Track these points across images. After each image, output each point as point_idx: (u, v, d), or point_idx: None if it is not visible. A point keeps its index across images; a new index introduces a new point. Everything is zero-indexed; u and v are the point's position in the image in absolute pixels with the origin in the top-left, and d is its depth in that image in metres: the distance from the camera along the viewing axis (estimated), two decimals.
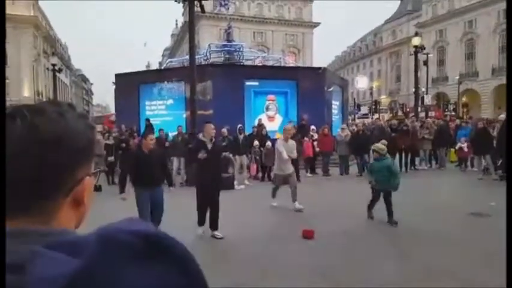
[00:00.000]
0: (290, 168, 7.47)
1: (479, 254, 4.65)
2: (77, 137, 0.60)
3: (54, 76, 23.06)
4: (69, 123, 0.59)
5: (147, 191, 5.11)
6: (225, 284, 3.61)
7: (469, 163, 12.35)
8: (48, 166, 0.56)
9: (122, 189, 5.29)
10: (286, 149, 7.31)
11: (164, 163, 5.92)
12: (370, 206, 6.43)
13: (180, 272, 0.39)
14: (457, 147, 12.23)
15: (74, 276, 0.35)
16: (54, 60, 23.54)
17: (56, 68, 22.63)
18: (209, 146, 5.61)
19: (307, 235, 5.47)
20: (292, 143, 7.63)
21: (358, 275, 4.14)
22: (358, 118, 35.43)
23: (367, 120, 28.80)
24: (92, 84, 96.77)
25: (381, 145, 6.41)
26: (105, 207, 4.79)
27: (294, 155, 7.64)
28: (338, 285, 3.90)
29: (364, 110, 43.68)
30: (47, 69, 32.74)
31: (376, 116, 32.88)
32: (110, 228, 0.40)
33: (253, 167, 11.77)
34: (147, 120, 14.03)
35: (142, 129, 14.19)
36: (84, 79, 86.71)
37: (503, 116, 12.07)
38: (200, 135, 6.46)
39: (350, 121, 24.69)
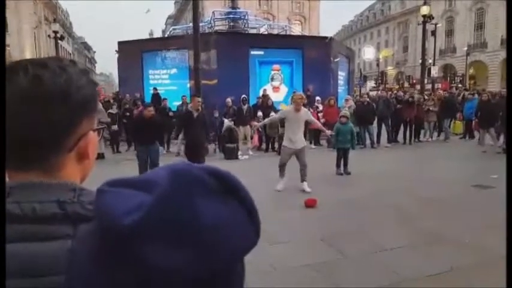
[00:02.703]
0: (301, 142, 6.42)
1: (482, 221, 4.75)
2: (80, 91, 0.60)
3: (56, 43, 22.72)
4: (72, 77, 0.59)
5: (146, 148, 6.54)
6: None
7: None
8: (53, 119, 0.57)
9: (135, 146, 7.04)
10: (293, 120, 6.35)
11: (160, 128, 7.26)
12: (338, 164, 7.83)
13: (246, 210, 0.41)
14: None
15: (151, 207, 0.37)
16: (56, 27, 23.15)
17: (58, 35, 22.30)
18: (195, 114, 7.06)
19: (310, 204, 5.57)
20: (304, 113, 6.48)
21: (361, 241, 4.25)
22: (371, 90, 35.03)
23: (373, 92, 28.51)
24: (94, 52, 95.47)
25: (348, 113, 8.50)
26: (107, 175, 4.86)
27: (302, 128, 6.59)
28: (342, 251, 4.01)
29: (372, 83, 43.15)
30: (49, 36, 32.20)
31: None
32: (180, 164, 0.42)
33: (255, 137, 11.79)
34: (155, 89, 13.93)
35: (147, 98, 14.15)
36: (87, 47, 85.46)
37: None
38: (189, 106, 7.94)
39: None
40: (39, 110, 0.56)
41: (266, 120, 8.55)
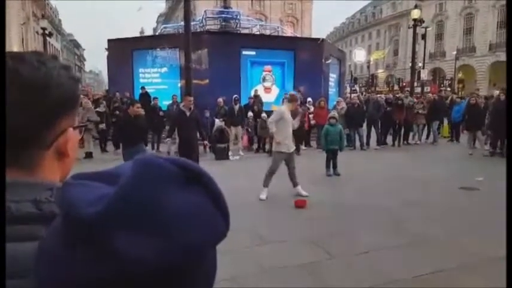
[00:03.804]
0: (292, 145, 6.23)
1: (468, 223, 4.82)
2: (60, 87, 0.58)
3: (45, 40, 22.38)
4: (51, 72, 0.58)
5: (132, 148, 6.08)
6: (220, 248, 3.70)
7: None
8: (30, 115, 0.55)
9: (117, 147, 6.62)
10: (289, 121, 6.05)
11: (145, 127, 7.00)
12: (327, 165, 7.87)
13: (213, 202, 0.40)
14: None
15: (114, 197, 0.36)
16: (44, 23, 22.82)
17: (46, 32, 21.98)
18: (187, 113, 7.13)
19: (300, 205, 5.58)
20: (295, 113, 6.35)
21: (350, 242, 4.27)
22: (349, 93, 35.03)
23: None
24: (84, 50, 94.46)
25: (336, 114, 8.57)
26: None
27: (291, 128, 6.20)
28: (329, 251, 4.02)
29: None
30: (37, 33, 31.77)
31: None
32: (146, 155, 0.41)
33: (245, 137, 11.78)
34: (142, 88, 13.80)
35: (136, 97, 14.04)
36: (76, 44, 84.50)
37: (497, 92, 12.12)
38: (181, 105, 7.90)
39: (347, 94, 24.53)
40: (15, 105, 0.54)
41: (269, 124, 6.83)
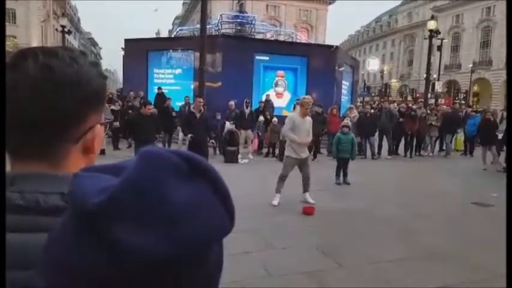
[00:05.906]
0: (306, 152, 6.05)
1: (480, 239, 4.72)
2: (90, 83, 0.59)
3: (63, 38, 22.81)
4: (82, 68, 0.58)
5: (144, 146, 6.15)
6: (225, 251, 3.69)
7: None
8: (61, 109, 0.56)
9: (130, 145, 6.95)
10: (302, 128, 5.85)
11: (157, 126, 7.33)
12: (337, 173, 7.80)
13: (218, 195, 0.40)
14: None
15: (118, 187, 0.37)
16: (64, 21, 23.28)
17: (66, 29, 22.38)
18: (197, 115, 7.26)
19: (308, 211, 5.54)
20: (309, 120, 6.07)
21: (357, 251, 4.22)
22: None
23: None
24: (101, 48, 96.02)
25: (349, 122, 8.48)
26: None
27: (309, 137, 6.04)
28: (337, 260, 3.98)
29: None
30: (56, 30, 32.36)
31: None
32: (150, 147, 0.41)
33: (255, 141, 11.78)
34: (159, 88, 13.90)
35: (150, 97, 14.16)
36: (93, 43, 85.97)
37: None
38: (191, 107, 8.01)
39: (359, 103, 24.39)
40: (47, 99, 0.55)
41: (284, 133, 6.46)
